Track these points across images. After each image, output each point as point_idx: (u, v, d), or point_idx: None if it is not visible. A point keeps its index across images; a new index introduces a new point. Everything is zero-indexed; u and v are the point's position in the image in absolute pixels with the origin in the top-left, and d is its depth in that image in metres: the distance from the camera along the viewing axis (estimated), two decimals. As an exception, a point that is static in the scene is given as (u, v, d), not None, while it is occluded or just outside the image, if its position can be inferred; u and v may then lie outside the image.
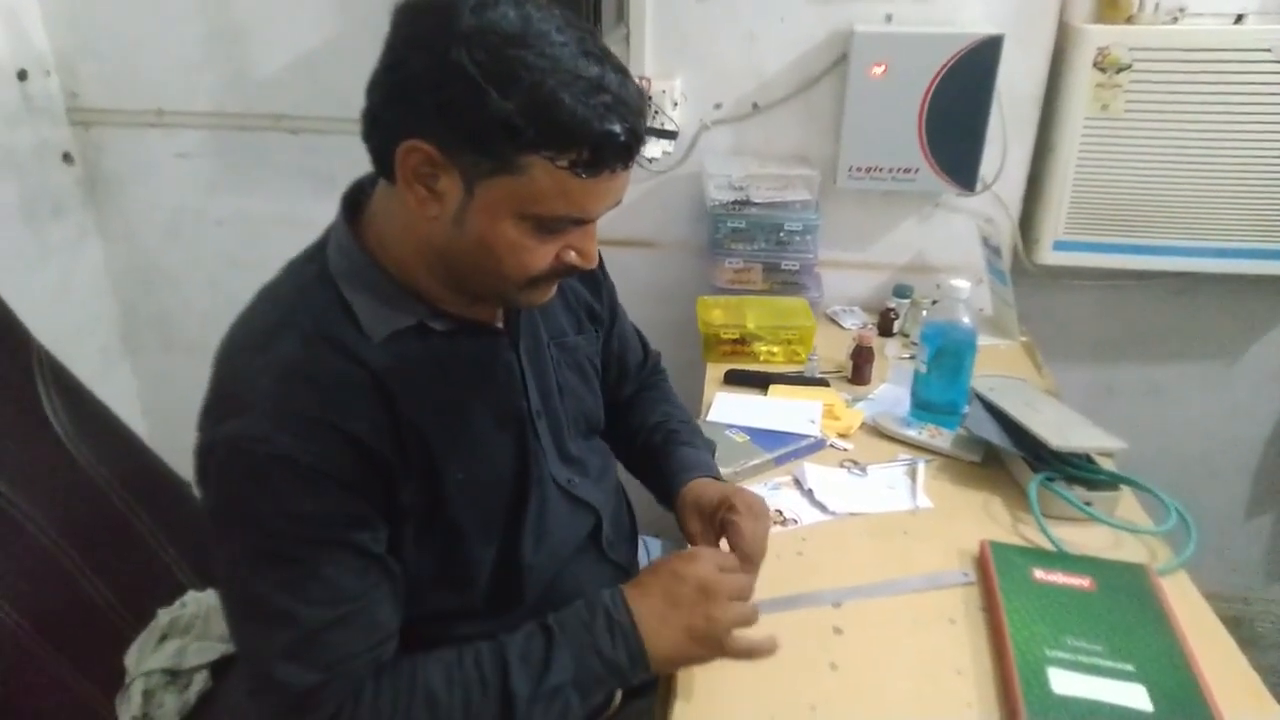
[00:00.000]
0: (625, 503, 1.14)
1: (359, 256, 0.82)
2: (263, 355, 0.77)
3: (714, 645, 0.83)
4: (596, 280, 1.09)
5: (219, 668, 1.12)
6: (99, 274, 2.17)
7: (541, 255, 0.79)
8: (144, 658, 1.10)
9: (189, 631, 1.14)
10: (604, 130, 0.71)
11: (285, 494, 0.74)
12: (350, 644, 0.77)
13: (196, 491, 0.79)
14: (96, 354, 2.19)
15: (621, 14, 1.75)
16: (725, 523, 0.95)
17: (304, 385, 0.76)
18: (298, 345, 0.77)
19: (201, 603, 1.19)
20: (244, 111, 1.97)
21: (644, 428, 1.16)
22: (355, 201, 0.86)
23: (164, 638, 1.12)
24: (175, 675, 1.09)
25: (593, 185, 0.74)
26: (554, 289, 0.87)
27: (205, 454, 0.76)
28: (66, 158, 2.04)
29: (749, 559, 0.92)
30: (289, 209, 2.02)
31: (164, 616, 1.14)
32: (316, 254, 0.85)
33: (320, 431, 0.75)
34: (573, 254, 0.81)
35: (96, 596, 1.09)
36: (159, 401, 2.29)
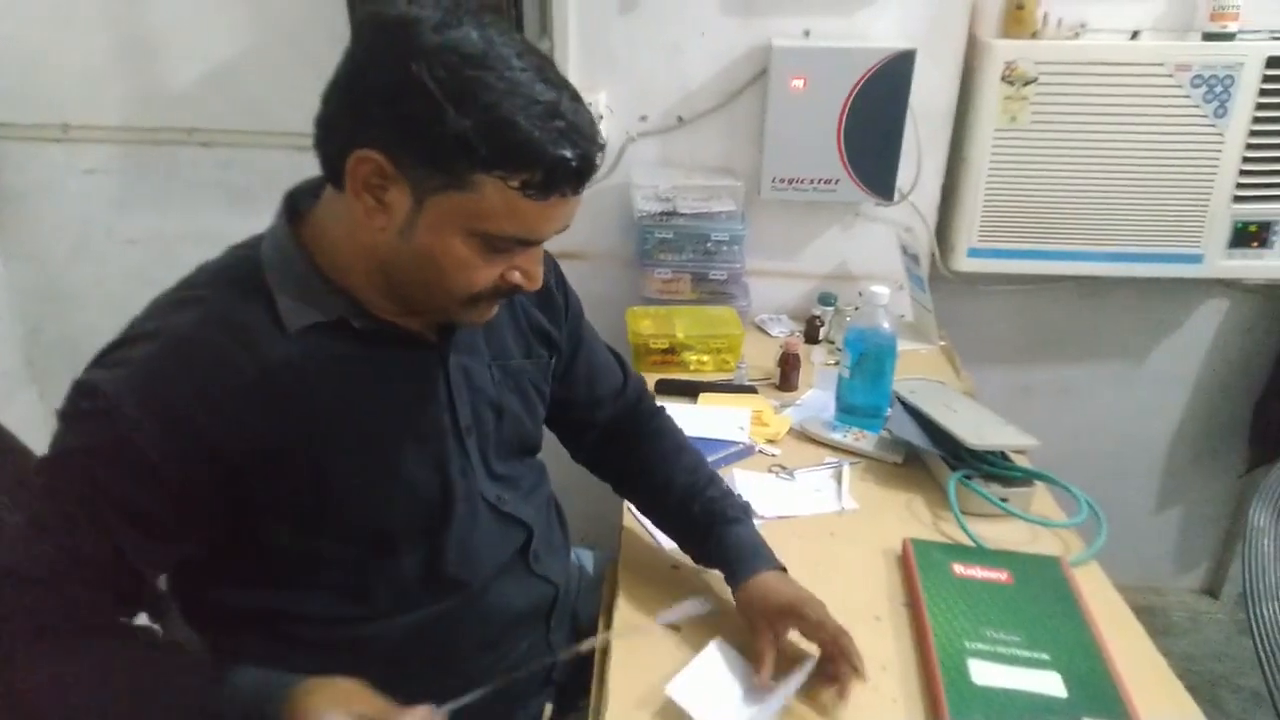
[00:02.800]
0: (557, 517, 1.13)
1: (292, 249, 0.82)
2: (160, 320, 0.79)
3: None
4: (555, 305, 1.07)
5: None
6: (1, 295, 2.07)
7: (486, 274, 0.80)
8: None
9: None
10: (556, 155, 0.73)
11: (109, 463, 0.75)
12: (81, 569, 0.77)
13: None
14: (-1, 379, 2.09)
15: (545, 27, 1.76)
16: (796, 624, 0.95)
17: (181, 368, 0.77)
18: (193, 322, 0.78)
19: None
20: (155, 125, 1.91)
21: (672, 489, 1.10)
22: (296, 203, 0.86)
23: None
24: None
25: (543, 208, 0.76)
26: (494, 309, 0.88)
27: (72, 391, 0.78)
28: (-36, 174, 1.95)
29: (837, 647, 0.92)
30: (204, 226, 1.95)
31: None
32: (253, 242, 0.86)
33: (178, 428, 0.75)
34: (517, 274, 0.82)
35: None
36: (69, 427, 2.19)
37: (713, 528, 1.05)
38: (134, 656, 0.79)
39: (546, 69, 0.75)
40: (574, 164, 0.74)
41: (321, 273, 0.82)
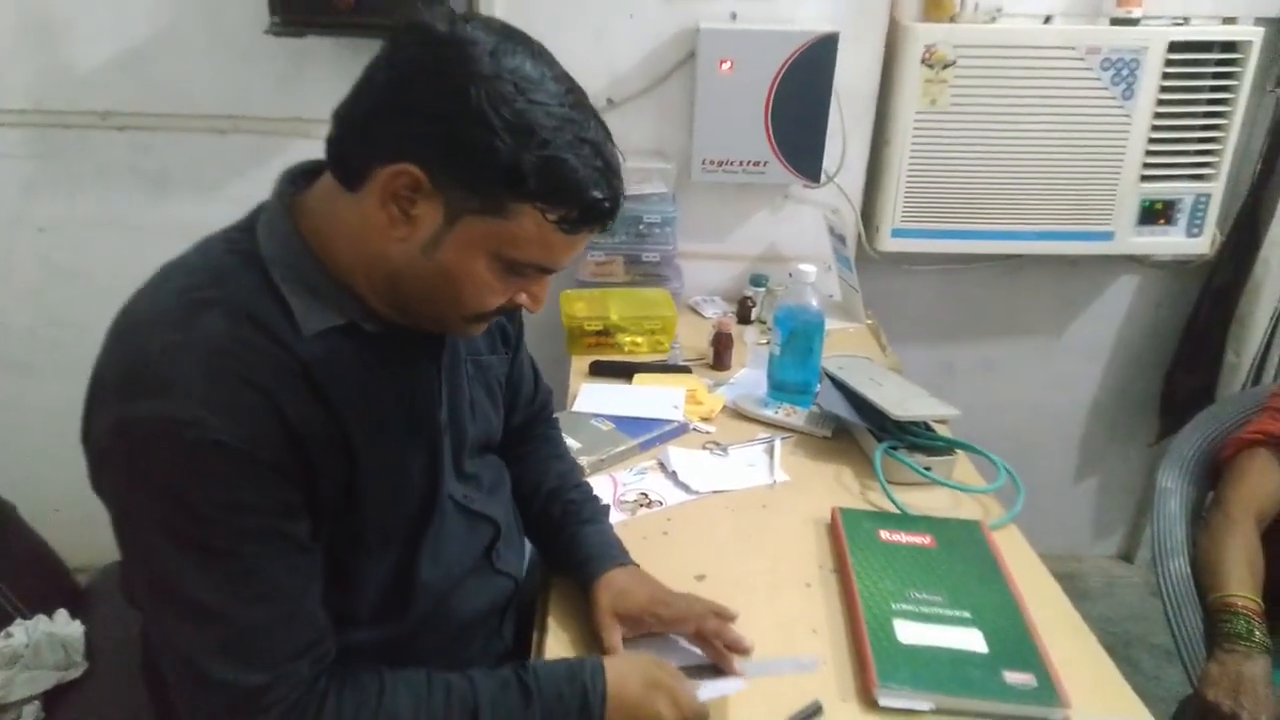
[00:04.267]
0: (514, 512, 1.13)
1: (297, 244, 0.79)
2: (182, 332, 0.72)
3: None
4: None
5: (53, 697, 1.04)
6: (-100, 288, 1.97)
7: (500, 295, 0.80)
8: (-37, 694, 1.01)
9: (16, 663, 1.05)
10: (595, 196, 0.74)
11: (217, 481, 0.70)
12: (291, 643, 0.75)
13: (94, 476, 0.74)
14: (-99, 376, 1.99)
15: (471, 6, 1.74)
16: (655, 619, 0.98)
17: (232, 363, 0.72)
18: (223, 323, 0.73)
19: (32, 631, 1.10)
20: (65, 108, 1.83)
21: (539, 492, 1.13)
22: (285, 190, 0.82)
23: (-13, 671, 1.03)
24: (1, 710, 1.00)
25: (570, 241, 0.77)
26: (487, 325, 0.88)
27: (116, 435, 0.71)
28: None
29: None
30: (119, 212, 1.88)
31: (-14, 649, 1.05)
32: (241, 235, 0.81)
33: (252, 413, 0.72)
34: (524, 297, 0.83)
35: (-97, 631, 1.00)
36: (-23, 425, 2.10)
37: (566, 527, 1.08)
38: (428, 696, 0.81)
39: (585, 103, 0.76)
40: (607, 205, 0.76)
41: (327, 270, 0.80)
